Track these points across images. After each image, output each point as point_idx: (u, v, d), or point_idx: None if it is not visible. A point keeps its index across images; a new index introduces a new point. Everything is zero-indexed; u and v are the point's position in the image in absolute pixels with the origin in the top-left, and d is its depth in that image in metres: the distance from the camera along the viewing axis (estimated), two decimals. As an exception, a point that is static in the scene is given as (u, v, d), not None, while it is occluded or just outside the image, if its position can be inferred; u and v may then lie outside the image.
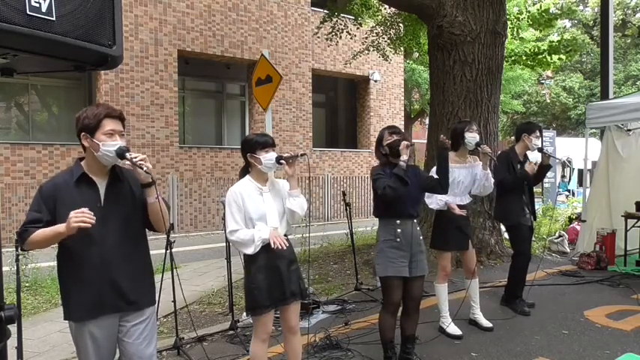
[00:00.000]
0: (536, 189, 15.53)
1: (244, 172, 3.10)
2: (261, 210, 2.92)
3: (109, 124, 2.30)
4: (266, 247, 2.89)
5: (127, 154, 2.25)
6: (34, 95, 11.68)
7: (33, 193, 9.84)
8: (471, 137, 4.21)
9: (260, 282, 2.91)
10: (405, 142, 3.39)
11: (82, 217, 2.12)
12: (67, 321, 2.41)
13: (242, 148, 3.05)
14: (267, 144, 2.96)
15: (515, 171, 4.79)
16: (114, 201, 2.36)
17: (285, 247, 2.84)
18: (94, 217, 2.15)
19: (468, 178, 4.29)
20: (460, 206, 4.22)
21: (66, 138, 11.07)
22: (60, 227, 2.18)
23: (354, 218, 7.20)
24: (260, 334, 3.01)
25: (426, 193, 4.12)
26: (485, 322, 4.45)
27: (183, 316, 4.96)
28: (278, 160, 2.91)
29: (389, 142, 3.49)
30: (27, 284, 5.95)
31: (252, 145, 2.97)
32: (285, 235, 3.02)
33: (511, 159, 4.84)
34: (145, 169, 2.24)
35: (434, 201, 4.22)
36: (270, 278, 2.91)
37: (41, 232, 2.23)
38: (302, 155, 2.98)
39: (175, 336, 4.08)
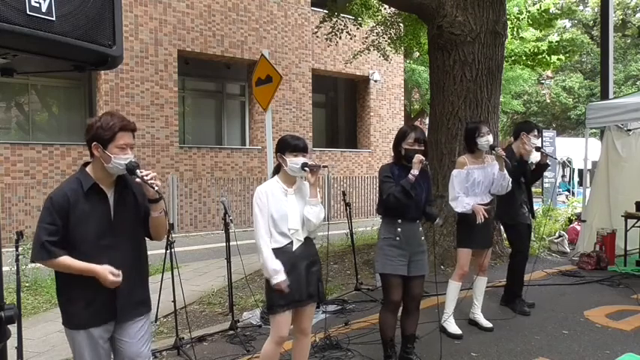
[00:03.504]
0: (536, 189, 15.60)
1: (275, 171, 3.12)
2: (283, 210, 2.93)
3: (122, 138, 2.30)
4: (285, 248, 2.92)
5: (138, 171, 2.29)
6: (34, 95, 11.67)
7: (33, 193, 9.91)
8: (484, 141, 4.23)
9: None
10: (419, 157, 3.40)
11: (119, 280, 2.27)
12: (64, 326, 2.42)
13: (276, 146, 3.07)
14: (297, 148, 2.96)
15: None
16: (123, 211, 2.40)
17: (286, 291, 2.86)
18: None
19: (488, 177, 4.30)
20: (481, 205, 4.23)
21: (66, 138, 11.07)
22: (95, 270, 2.25)
23: (354, 218, 7.20)
24: (274, 336, 3.00)
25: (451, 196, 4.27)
26: (485, 322, 4.45)
27: (183, 316, 4.96)
28: (303, 166, 2.94)
29: (409, 148, 3.48)
30: (27, 284, 5.94)
31: (283, 147, 2.98)
32: (309, 239, 3.04)
33: (509, 156, 4.85)
34: (155, 188, 2.29)
35: (459, 204, 4.22)
36: (288, 278, 2.91)
37: (72, 263, 2.25)
38: (324, 167, 3.06)
39: (175, 336, 4.08)
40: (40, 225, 2.25)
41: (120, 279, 2.27)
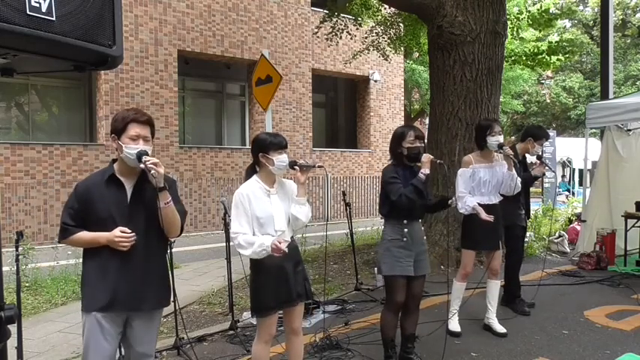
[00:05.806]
0: (536, 189, 15.58)
1: (251, 171, 3.01)
2: (268, 212, 2.86)
3: (134, 129, 2.41)
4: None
5: (143, 158, 2.34)
6: (34, 95, 11.67)
7: (33, 193, 9.91)
8: (494, 141, 4.16)
9: (266, 283, 2.88)
10: (428, 156, 3.40)
11: (128, 240, 2.36)
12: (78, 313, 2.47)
13: (253, 146, 2.97)
14: (281, 145, 2.89)
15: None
16: (140, 201, 2.46)
17: (286, 252, 2.74)
18: (135, 237, 2.38)
19: (495, 177, 4.26)
20: (489, 205, 4.17)
21: (66, 138, 11.05)
22: (101, 238, 2.38)
23: (354, 218, 7.20)
24: (263, 336, 2.98)
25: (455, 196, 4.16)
26: (499, 328, 4.35)
27: (183, 316, 4.96)
28: (292, 165, 2.87)
29: (411, 146, 3.45)
30: (27, 284, 5.93)
31: (266, 145, 2.88)
32: (291, 238, 3.00)
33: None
34: (152, 172, 2.32)
35: (462, 205, 4.16)
36: (276, 280, 2.88)
37: (82, 236, 2.42)
38: (319, 167, 2.97)
39: (175, 336, 4.08)
40: (64, 208, 2.48)
41: (131, 235, 2.35)
